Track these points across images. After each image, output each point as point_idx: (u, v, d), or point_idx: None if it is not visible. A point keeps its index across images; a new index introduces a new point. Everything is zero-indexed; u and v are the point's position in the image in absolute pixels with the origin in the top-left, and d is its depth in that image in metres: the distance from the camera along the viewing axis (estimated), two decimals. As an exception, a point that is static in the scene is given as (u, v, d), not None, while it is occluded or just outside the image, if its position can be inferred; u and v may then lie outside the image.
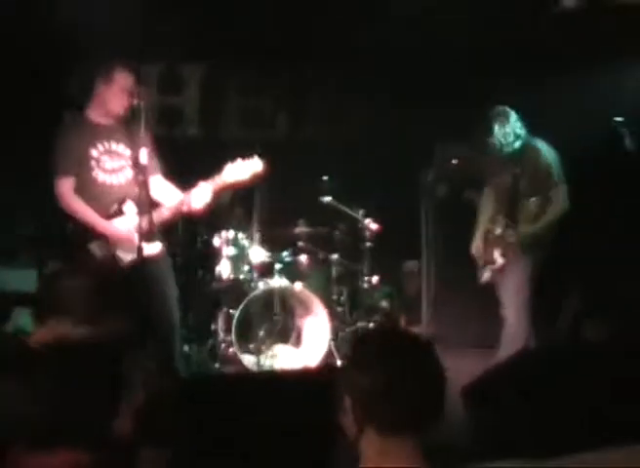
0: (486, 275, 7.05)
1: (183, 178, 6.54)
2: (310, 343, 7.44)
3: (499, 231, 6.89)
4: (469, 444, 3.05)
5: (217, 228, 7.52)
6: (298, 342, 7.56)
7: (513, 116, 6.81)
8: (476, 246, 7.12)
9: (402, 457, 2.55)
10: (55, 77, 8.12)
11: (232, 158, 6.50)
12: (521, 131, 6.83)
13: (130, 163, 6.04)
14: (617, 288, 7.04)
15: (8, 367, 3.19)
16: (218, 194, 6.35)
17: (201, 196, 6.18)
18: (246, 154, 6.40)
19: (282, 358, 7.29)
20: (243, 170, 6.25)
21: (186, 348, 7.16)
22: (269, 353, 7.26)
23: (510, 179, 6.91)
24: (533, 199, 6.74)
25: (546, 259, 6.87)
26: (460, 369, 5.59)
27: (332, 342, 7.34)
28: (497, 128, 6.79)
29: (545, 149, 6.91)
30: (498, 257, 6.89)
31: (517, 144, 6.85)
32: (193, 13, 7.85)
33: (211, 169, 6.74)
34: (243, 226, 7.62)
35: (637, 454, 3.69)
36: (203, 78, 8.97)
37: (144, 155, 5.88)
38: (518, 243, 6.75)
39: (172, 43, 7.89)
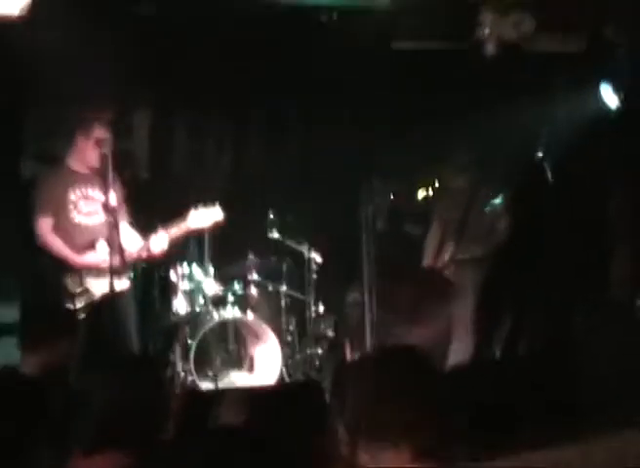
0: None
1: (138, 219, 6.98)
2: (263, 369, 7.77)
3: (448, 255, 7.42)
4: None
5: (171, 263, 7.80)
6: (251, 369, 7.86)
7: (460, 147, 7.42)
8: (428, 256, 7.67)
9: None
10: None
11: (181, 198, 6.95)
12: (468, 162, 7.44)
13: (102, 207, 6.47)
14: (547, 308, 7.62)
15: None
16: (177, 239, 6.82)
17: (160, 242, 6.66)
18: (202, 199, 6.83)
19: (238, 384, 7.62)
20: (204, 218, 6.75)
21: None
22: (226, 380, 7.63)
23: (463, 209, 7.48)
24: (475, 223, 7.30)
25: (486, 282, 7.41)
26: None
27: (283, 368, 7.73)
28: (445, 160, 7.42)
29: (494, 179, 7.54)
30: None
31: (464, 175, 7.45)
32: (141, 62, 8.17)
33: (163, 209, 7.18)
34: (196, 261, 7.88)
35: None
36: (151, 124, 9.20)
37: (114, 199, 6.34)
38: (460, 266, 7.30)
39: (121, 90, 8.20)
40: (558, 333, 7.45)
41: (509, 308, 8.09)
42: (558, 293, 7.84)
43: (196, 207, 6.94)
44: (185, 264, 7.85)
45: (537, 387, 5.30)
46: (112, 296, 6.32)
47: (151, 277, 7.96)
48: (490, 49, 6.64)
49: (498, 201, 7.49)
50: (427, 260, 7.71)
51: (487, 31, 6.56)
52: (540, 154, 7.58)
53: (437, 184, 7.95)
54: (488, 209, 7.45)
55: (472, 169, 7.54)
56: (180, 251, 7.73)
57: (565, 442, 4.25)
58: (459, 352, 7.30)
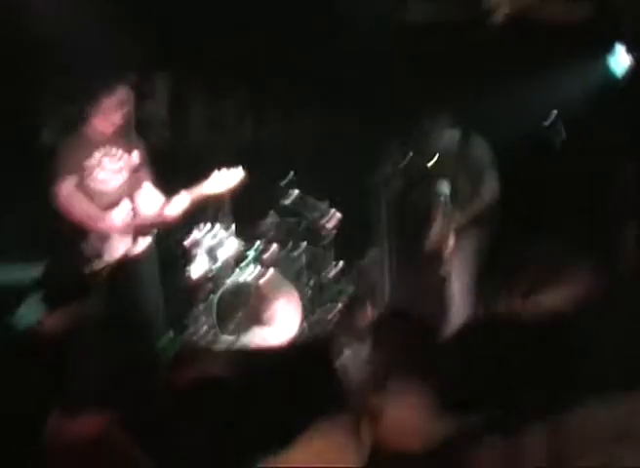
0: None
1: (160, 181, 7.16)
2: (283, 324, 7.98)
3: (444, 222, 7.61)
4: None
5: (194, 222, 8.00)
6: (272, 324, 8.03)
7: (444, 117, 7.60)
8: (431, 239, 7.84)
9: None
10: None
11: (201, 161, 7.10)
12: (453, 130, 7.58)
13: (126, 166, 6.64)
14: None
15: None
16: (199, 200, 6.99)
17: (182, 203, 6.82)
18: (223, 161, 6.98)
19: (258, 339, 7.85)
20: (224, 181, 6.88)
21: (170, 333, 7.70)
22: (247, 334, 7.87)
23: (449, 174, 7.64)
24: (466, 191, 7.47)
25: (488, 239, 7.59)
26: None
27: (303, 323, 7.98)
28: (428, 130, 7.58)
29: (477, 143, 7.66)
30: (447, 248, 7.63)
31: (451, 142, 7.61)
32: (160, 29, 8.35)
33: (183, 173, 7.34)
34: (217, 220, 8.07)
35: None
36: (171, 88, 9.40)
37: (137, 160, 6.52)
38: (456, 226, 7.50)
39: (140, 57, 8.39)
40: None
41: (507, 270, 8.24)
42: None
43: (218, 169, 7.05)
44: (207, 223, 8.04)
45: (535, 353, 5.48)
46: (134, 256, 6.52)
47: (174, 236, 8.08)
48: (499, 17, 6.73)
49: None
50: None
51: (494, 1, 6.65)
52: (547, 122, 7.69)
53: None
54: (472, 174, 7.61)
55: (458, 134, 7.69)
56: (203, 210, 7.86)
57: (569, 407, 4.43)
58: (455, 314, 7.51)
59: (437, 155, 7.73)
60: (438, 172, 7.83)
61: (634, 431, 3.44)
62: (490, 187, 7.51)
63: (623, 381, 4.54)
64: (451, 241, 7.62)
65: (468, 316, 7.27)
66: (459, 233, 7.56)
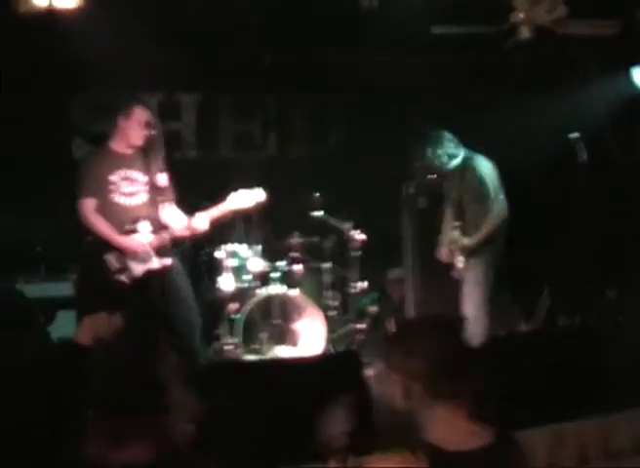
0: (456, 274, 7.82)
1: (185, 198, 7.22)
2: (307, 344, 8.02)
3: (455, 237, 7.65)
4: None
5: (219, 242, 8.09)
6: (295, 343, 8.09)
7: (446, 138, 7.58)
8: (440, 252, 7.88)
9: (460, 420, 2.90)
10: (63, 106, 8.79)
11: (229, 178, 7.15)
12: (455, 150, 7.61)
13: (145, 187, 6.70)
14: (582, 287, 7.82)
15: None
16: (220, 218, 7.04)
17: (203, 221, 6.88)
18: (245, 179, 7.04)
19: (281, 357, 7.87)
20: (247, 199, 6.94)
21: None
22: (270, 354, 7.90)
23: (454, 194, 7.68)
24: (472, 210, 7.52)
25: (499, 261, 7.62)
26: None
27: (327, 343, 7.99)
28: (429, 151, 7.60)
29: (483, 165, 7.67)
30: (458, 262, 7.65)
31: (453, 163, 7.64)
32: (188, 47, 8.45)
33: (210, 189, 7.40)
34: (243, 239, 8.18)
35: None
36: (198, 105, 9.52)
37: (162, 178, 6.58)
38: (463, 250, 7.53)
39: (169, 74, 8.49)
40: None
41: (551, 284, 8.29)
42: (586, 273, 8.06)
43: (244, 187, 7.10)
44: (232, 242, 8.12)
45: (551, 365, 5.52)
46: (154, 272, 6.59)
47: (198, 254, 8.21)
48: (524, 33, 6.79)
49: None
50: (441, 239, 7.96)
51: (521, 16, 6.71)
52: (573, 136, 7.74)
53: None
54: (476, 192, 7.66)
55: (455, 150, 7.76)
56: (227, 229, 7.96)
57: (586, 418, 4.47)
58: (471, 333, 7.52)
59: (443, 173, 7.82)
60: (446, 190, 7.90)
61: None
62: (497, 209, 7.53)
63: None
64: (457, 261, 7.67)
65: (482, 335, 7.33)
66: (469, 251, 7.60)
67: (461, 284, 7.80)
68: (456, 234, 7.70)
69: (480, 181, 7.59)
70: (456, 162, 7.70)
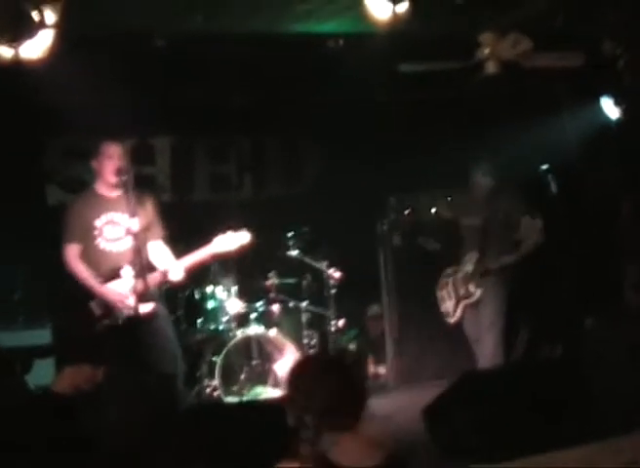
0: (459, 312, 7.84)
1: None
2: (287, 384, 8.01)
3: (469, 268, 7.68)
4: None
5: (196, 284, 8.10)
6: (275, 383, 8.05)
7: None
8: (451, 284, 7.94)
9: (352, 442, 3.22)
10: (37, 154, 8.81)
11: (205, 221, 7.15)
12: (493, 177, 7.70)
13: (130, 230, 6.67)
14: (561, 316, 7.87)
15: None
16: (201, 263, 7.03)
17: (178, 272, 6.86)
18: (221, 221, 7.05)
19: (262, 398, 7.84)
20: (232, 242, 6.93)
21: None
22: (250, 394, 7.86)
23: (480, 220, 7.71)
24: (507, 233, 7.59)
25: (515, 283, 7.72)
26: (422, 399, 6.30)
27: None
28: (478, 179, 7.71)
29: (513, 189, 7.78)
30: (474, 290, 7.69)
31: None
32: (160, 91, 8.50)
33: (187, 232, 7.39)
34: (219, 280, 8.18)
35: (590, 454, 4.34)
36: (173, 148, 9.51)
37: (138, 224, 6.55)
38: (496, 271, 7.57)
39: (142, 119, 8.52)
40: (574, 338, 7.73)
41: (530, 315, 8.34)
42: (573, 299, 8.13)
43: (220, 230, 7.08)
44: (209, 284, 8.14)
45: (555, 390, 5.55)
46: (138, 319, 6.55)
47: (175, 296, 8.17)
48: (490, 67, 6.88)
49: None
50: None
51: (487, 51, 6.80)
52: (545, 167, 7.84)
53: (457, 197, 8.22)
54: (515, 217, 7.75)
55: (492, 178, 7.86)
56: (203, 270, 7.86)
57: (575, 443, 4.48)
58: (486, 357, 7.60)
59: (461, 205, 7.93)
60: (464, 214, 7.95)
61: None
62: (532, 238, 7.61)
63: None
64: (473, 290, 7.72)
65: (499, 360, 7.39)
66: (489, 276, 7.66)
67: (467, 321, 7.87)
68: (469, 266, 7.75)
69: (514, 205, 7.72)
70: (485, 189, 7.79)
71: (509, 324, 7.93)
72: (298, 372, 3.35)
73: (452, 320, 8.03)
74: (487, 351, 7.71)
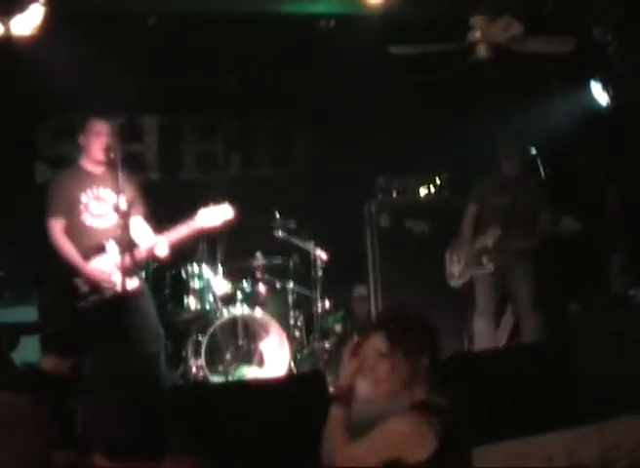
0: (465, 277, 7.98)
1: (148, 220, 7.22)
2: (272, 364, 8.02)
3: (489, 242, 7.74)
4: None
5: (182, 263, 8.08)
6: (261, 363, 8.08)
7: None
8: (464, 249, 7.96)
9: None
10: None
11: (192, 199, 7.16)
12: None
13: (114, 206, 6.68)
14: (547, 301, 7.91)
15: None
16: (185, 239, 7.03)
17: (163, 247, 6.87)
18: (208, 199, 7.06)
19: (248, 377, 7.87)
20: (215, 216, 6.94)
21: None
22: (236, 374, 7.88)
23: (509, 199, 7.79)
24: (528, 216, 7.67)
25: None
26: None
27: (291, 362, 8.01)
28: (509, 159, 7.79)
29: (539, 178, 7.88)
30: (487, 263, 7.77)
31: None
32: (150, 70, 8.48)
33: (173, 210, 7.40)
34: (205, 260, 8.15)
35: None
36: (161, 127, 9.51)
37: (124, 200, 6.57)
38: (514, 252, 7.67)
39: (131, 97, 8.49)
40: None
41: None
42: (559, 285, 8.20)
43: (206, 206, 7.12)
44: (195, 263, 8.12)
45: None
46: (123, 295, 6.56)
47: (162, 276, 8.19)
48: (481, 51, 6.87)
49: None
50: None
51: (478, 34, 6.79)
52: (533, 152, 7.88)
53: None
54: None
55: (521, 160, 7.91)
56: (189, 249, 7.91)
57: (559, 427, 4.52)
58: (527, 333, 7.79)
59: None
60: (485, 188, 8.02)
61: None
62: (551, 223, 7.68)
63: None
64: (486, 262, 7.81)
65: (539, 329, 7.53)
66: (506, 254, 7.72)
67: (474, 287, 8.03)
68: (490, 240, 7.81)
69: (540, 188, 7.84)
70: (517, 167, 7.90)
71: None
72: None
73: (454, 283, 8.16)
74: (526, 316, 7.90)
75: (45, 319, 6.82)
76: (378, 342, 3.46)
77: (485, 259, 7.85)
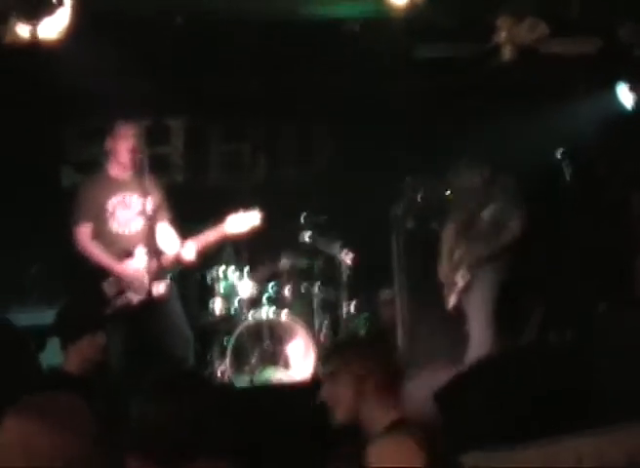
0: (452, 300, 7.85)
1: (174, 223, 7.24)
2: (297, 367, 8.02)
3: (458, 255, 7.67)
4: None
5: (208, 265, 8.10)
6: (287, 366, 8.08)
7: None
8: (442, 272, 7.92)
9: None
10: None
11: (218, 202, 7.18)
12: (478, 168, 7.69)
13: (141, 211, 6.72)
14: (572, 301, 7.86)
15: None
16: (215, 243, 7.05)
17: (191, 251, 6.89)
18: (234, 202, 7.07)
19: (273, 381, 7.89)
20: (243, 222, 6.96)
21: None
22: (262, 377, 7.89)
23: (473, 209, 7.71)
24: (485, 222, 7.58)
25: (507, 277, 7.66)
26: (434, 383, 6.29)
27: (317, 365, 7.96)
28: (466, 173, 7.69)
29: (506, 180, 7.77)
30: (458, 279, 7.68)
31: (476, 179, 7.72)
32: (177, 72, 8.53)
33: (200, 212, 7.42)
34: (232, 262, 8.17)
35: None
36: (187, 129, 9.50)
37: (151, 205, 6.60)
38: (473, 263, 7.56)
39: (157, 100, 8.52)
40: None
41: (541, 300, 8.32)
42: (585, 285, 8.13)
43: (234, 210, 7.12)
44: (221, 266, 8.13)
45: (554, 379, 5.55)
46: (151, 300, 6.59)
47: (190, 278, 8.23)
48: (507, 53, 6.85)
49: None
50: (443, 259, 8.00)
51: (503, 35, 6.77)
52: (559, 155, 7.82)
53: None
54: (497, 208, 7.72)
55: (481, 169, 7.83)
56: (216, 252, 7.94)
57: (581, 432, 4.49)
58: (474, 348, 7.58)
59: (451, 190, 7.87)
60: (456, 206, 7.93)
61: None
62: (517, 223, 7.59)
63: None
64: (458, 279, 7.71)
65: (488, 348, 7.36)
66: (477, 265, 7.63)
67: (463, 306, 7.84)
68: (458, 252, 7.74)
69: (504, 196, 7.71)
70: (477, 176, 7.78)
71: (516, 310, 7.95)
72: None
73: (448, 306, 8.04)
74: (474, 336, 7.71)
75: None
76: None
77: (458, 276, 7.81)
